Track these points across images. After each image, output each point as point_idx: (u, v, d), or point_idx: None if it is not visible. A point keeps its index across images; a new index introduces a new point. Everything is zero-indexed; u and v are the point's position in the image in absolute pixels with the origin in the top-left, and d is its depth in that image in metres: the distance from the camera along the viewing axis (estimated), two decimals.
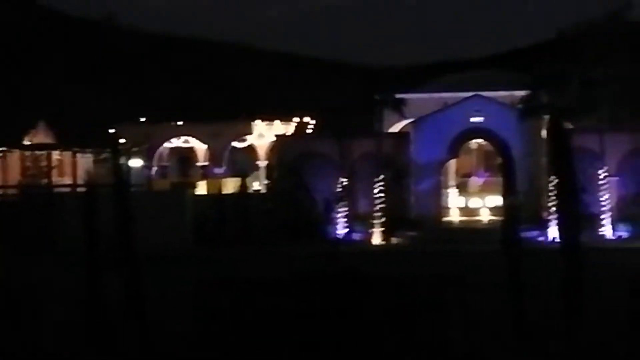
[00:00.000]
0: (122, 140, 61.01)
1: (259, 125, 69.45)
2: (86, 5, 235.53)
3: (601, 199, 54.58)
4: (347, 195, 57.16)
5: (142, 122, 74.20)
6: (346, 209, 56.71)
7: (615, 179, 56.40)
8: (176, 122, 72.71)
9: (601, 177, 55.13)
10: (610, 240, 53.56)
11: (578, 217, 26.27)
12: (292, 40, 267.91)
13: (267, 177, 64.37)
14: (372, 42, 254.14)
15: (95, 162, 69.45)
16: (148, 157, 70.18)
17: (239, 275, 32.91)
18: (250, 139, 70.90)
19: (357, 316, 23.44)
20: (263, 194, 62.55)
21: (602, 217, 54.41)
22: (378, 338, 23.21)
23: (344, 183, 57.20)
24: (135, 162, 68.38)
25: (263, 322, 23.20)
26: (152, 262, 34.22)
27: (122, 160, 34.89)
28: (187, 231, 55.05)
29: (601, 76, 54.53)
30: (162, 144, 71.74)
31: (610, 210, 54.83)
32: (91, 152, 70.32)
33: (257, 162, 71.03)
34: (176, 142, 72.55)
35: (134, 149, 66.56)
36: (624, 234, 54.32)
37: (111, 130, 61.78)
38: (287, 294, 23.64)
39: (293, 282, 24.48)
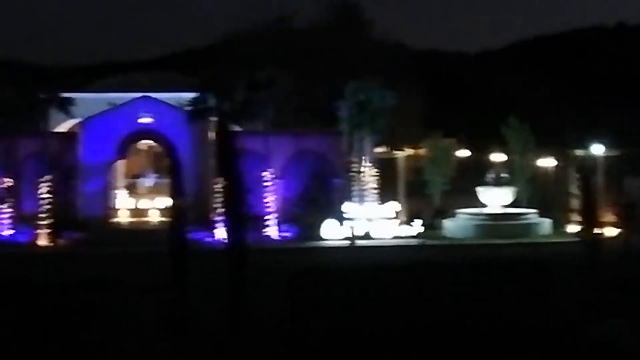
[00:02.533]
0: None
1: None
2: None
3: (266, 200, 56.07)
4: (12, 195, 55.50)
5: None
6: (11, 210, 55.11)
7: (280, 180, 58.10)
8: None
9: (267, 178, 56.63)
10: (276, 240, 55.07)
11: (244, 218, 26.95)
12: None
13: None
14: (39, 40, 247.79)
15: None
16: None
17: None
18: None
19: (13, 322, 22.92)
20: None
21: (267, 218, 55.88)
22: (36, 343, 22.79)
23: (8, 183, 55.53)
24: None
25: None
26: None
27: None
28: None
29: (265, 80, 55.89)
30: None
31: (275, 211, 56.41)
32: None
33: None
34: None
35: None
36: (288, 235, 56.03)
37: None
38: None
39: None
